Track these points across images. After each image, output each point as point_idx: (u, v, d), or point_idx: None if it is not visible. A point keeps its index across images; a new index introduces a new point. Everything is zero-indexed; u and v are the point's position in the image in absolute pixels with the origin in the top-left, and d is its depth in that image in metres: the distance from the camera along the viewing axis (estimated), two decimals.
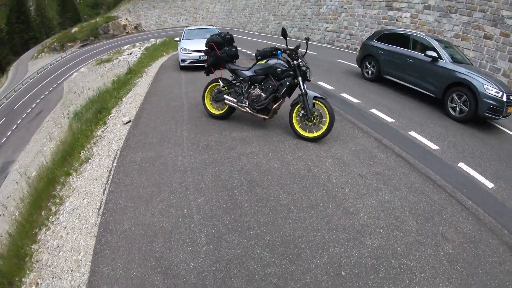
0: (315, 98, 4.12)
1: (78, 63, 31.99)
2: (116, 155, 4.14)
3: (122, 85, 9.09)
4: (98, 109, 6.80)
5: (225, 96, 4.70)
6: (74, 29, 53.33)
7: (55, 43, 51.19)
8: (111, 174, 3.68)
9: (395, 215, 2.91)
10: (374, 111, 5.66)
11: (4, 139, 20.72)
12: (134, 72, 10.86)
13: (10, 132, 21.62)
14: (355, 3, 17.55)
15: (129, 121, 5.29)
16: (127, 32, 51.55)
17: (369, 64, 7.86)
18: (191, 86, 7.27)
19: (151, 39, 28.05)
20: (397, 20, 14.51)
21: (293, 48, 4.16)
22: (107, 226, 2.83)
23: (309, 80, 4.22)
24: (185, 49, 9.37)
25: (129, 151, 4.13)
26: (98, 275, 2.43)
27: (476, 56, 10.73)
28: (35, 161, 10.20)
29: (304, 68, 4.13)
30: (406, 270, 2.36)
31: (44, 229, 3.62)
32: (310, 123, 4.19)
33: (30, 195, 4.52)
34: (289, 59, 4.23)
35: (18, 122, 23.05)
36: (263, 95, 4.32)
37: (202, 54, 4.93)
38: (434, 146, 4.44)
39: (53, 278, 2.71)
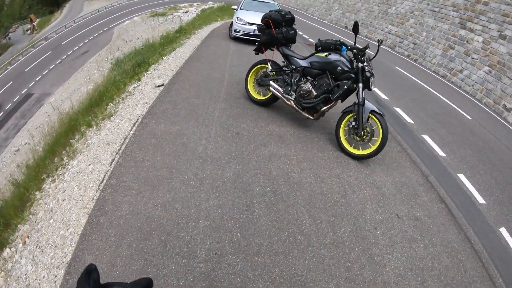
0: (372, 111, 3.43)
1: (133, 12, 31.83)
2: (137, 120, 3.77)
3: (169, 42, 8.76)
4: (138, 62, 6.53)
5: (271, 82, 4.11)
6: None
7: None
8: (125, 142, 3.32)
9: (422, 278, 2.36)
10: (427, 137, 4.92)
11: (46, 71, 21.32)
12: (184, 31, 10.46)
13: (53, 65, 22.14)
14: (426, 11, 15.78)
15: (162, 85, 4.90)
16: None
17: None
18: (237, 60, 6.71)
19: (210, 2, 27.51)
20: (467, 41, 13.10)
21: (361, 47, 3.42)
22: (103, 206, 2.47)
23: (370, 89, 3.52)
24: (241, 20, 8.75)
25: (151, 120, 3.73)
26: (79, 262, 2.11)
27: None
28: (70, 98, 10.37)
29: (368, 74, 3.41)
30: None
31: (50, 179, 3.48)
32: (358, 139, 3.53)
33: (53, 133, 4.46)
34: (353, 59, 3.50)
35: (63, 57, 23.44)
36: (314, 93, 3.67)
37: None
38: (480, 199, 3.76)
39: (37, 247, 2.45)
